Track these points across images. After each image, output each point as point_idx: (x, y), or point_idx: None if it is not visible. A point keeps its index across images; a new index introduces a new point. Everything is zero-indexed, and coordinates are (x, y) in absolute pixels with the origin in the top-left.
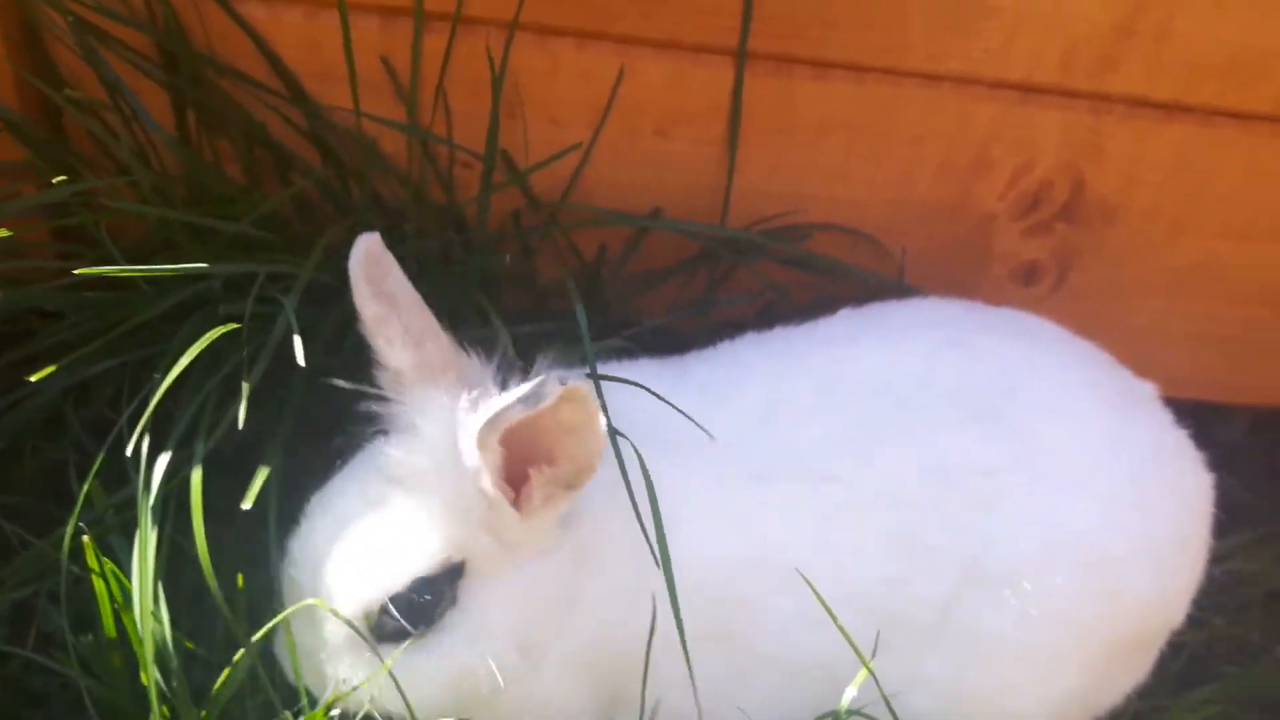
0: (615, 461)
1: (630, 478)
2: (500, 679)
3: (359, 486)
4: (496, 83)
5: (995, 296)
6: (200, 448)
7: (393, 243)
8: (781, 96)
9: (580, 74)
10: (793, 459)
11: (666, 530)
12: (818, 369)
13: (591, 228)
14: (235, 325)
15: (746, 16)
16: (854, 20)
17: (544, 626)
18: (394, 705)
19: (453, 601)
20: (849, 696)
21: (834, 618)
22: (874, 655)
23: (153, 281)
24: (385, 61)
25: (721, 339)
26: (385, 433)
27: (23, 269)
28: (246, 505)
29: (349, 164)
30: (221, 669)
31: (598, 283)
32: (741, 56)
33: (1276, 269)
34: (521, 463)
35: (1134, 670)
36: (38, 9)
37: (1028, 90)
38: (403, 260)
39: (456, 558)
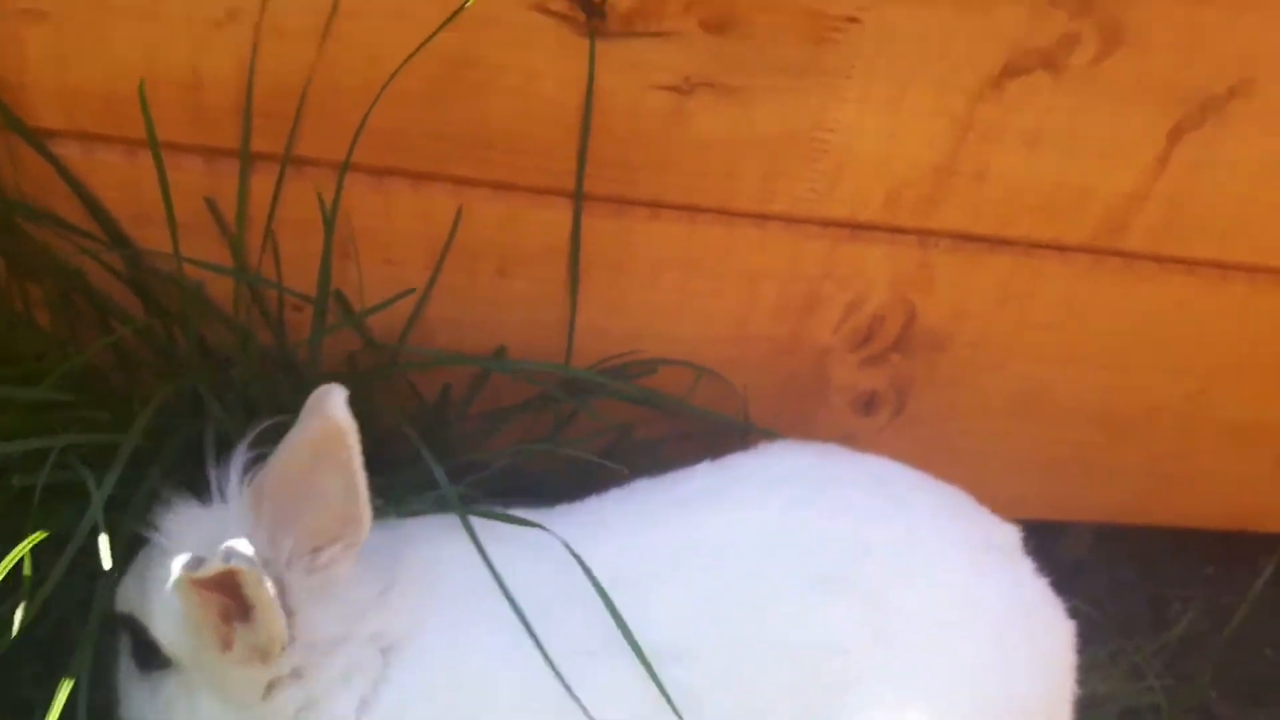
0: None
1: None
2: None
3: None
4: (329, 222)
5: (837, 426)
6: None
7: (219, 389)
8: (619, 236)
9: (417, 214)
10: (635, 633)
11: (477, 707)
12: (670, 534)
13: (434, 369)
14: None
15: (581, 161)
16: (688, 164)
17: None
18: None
19: (164, 666)
20: None
21: None
22: None
23: None
24: (210, 203)
25: (575, 475)
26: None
27: None
28: None
29: (172, 311)
30: None
31: (444, 425)
32: (579, 199)
33: (1103, 394)
34: (234, 611)
35: None
36: None
37: (856, 228)
38: (231, 406)
39: (163, 644)
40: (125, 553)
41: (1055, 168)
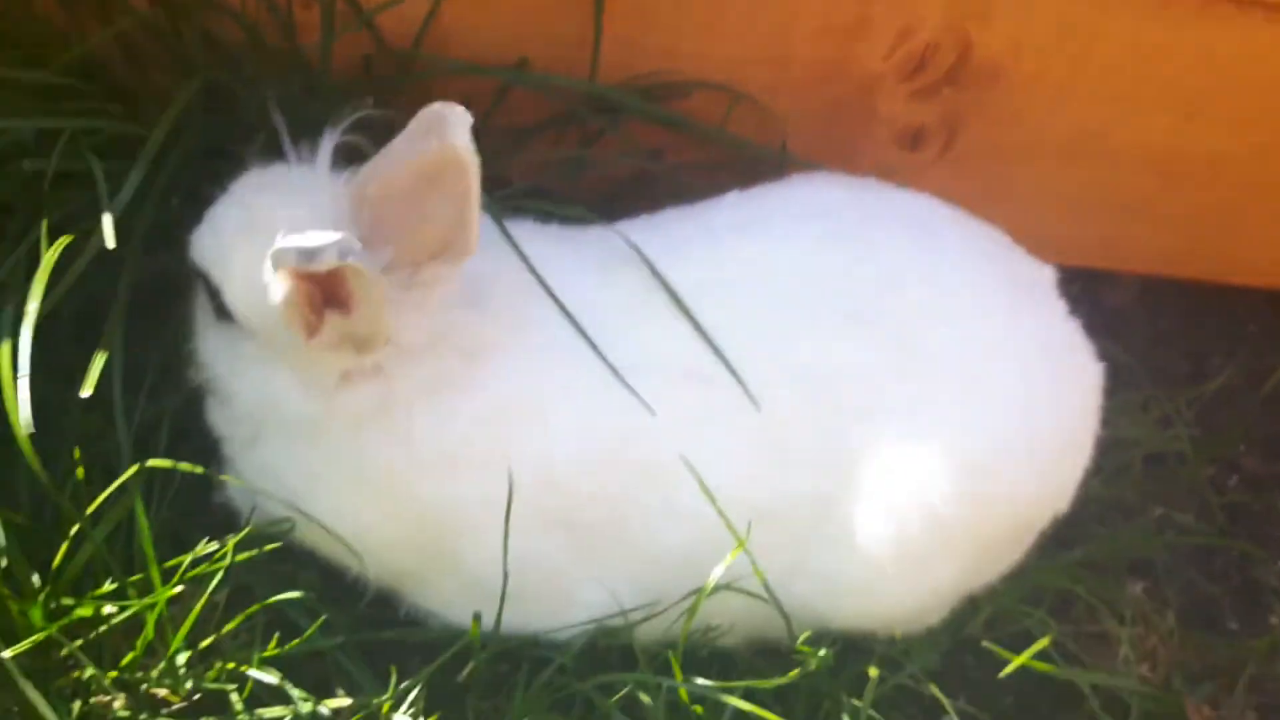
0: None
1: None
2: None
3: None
4: None
5: (880, 160)
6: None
7: (232, 88)
8: None
9: None
10: (662, 353)
11: (541, 425)
12: (699, 261)
13: (452, 79)
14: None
15: None
16: None
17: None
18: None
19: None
20: (717, 572)
21: (718, 508)
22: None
23: None
24: None
25: (599, 200)
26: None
27: None
28: (86, 393)
29: (177, 2)
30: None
31: None
32: None
33: (1161, 138)
34: (324, 299)
35: (1009, 557)
36: None
37: None
38: (243, 107)
39: (237, 312)
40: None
41: None
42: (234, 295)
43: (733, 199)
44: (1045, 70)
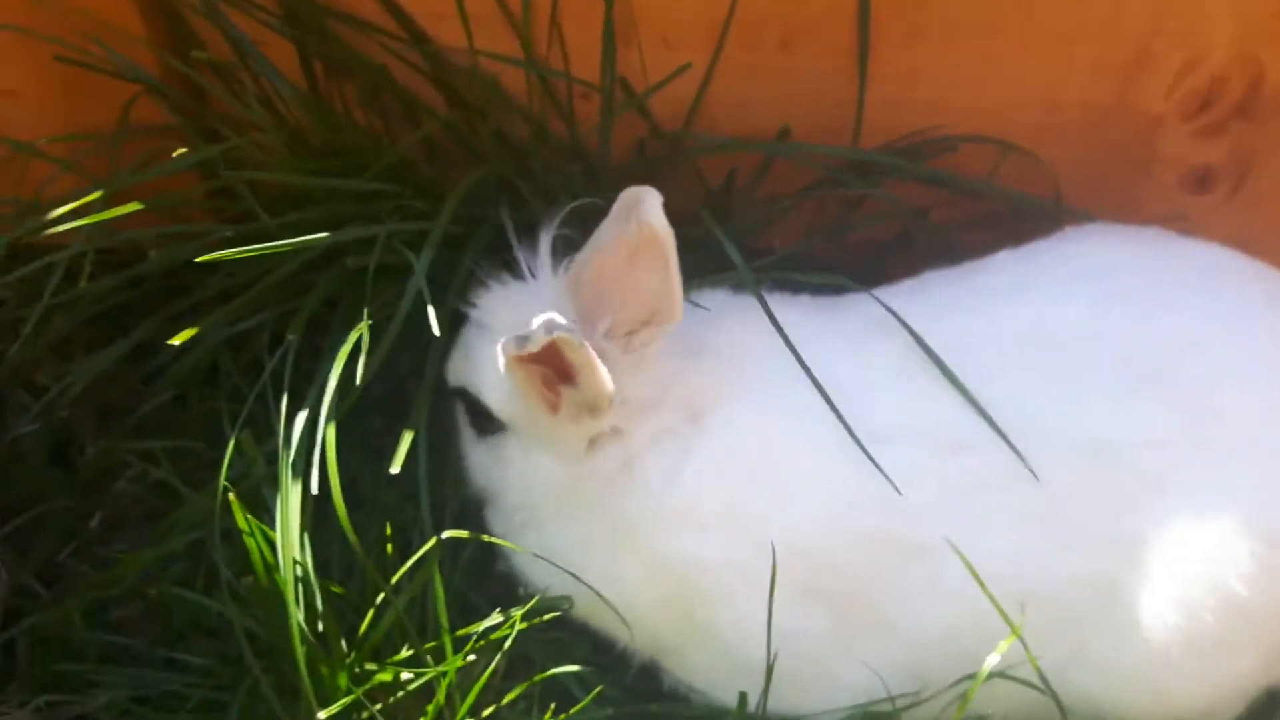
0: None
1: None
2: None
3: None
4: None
5: (1162, 206)
6: (329, 404)
7: (518, 179)
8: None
9: None
10: (922, 422)
11: (774, 485)
12: (964, 326)
13: (719, 154)
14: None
15: None
16: None
17: (540, 507)
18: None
19: (500, 430)
20: (991, 661)
21: (986, 591)
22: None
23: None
24: None
25: (863, 265)
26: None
27: (179, 229)
28: (395, 470)
29: (472, 104)
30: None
31: (728, 210)
32: None
33: None
34: (558, 376)
35: None
36: None
37: None
38: (530, 198)
39: (495, 411)
40: (450, 327)
41: None
42: (491, 399)
43: (1002, 258)
44: None
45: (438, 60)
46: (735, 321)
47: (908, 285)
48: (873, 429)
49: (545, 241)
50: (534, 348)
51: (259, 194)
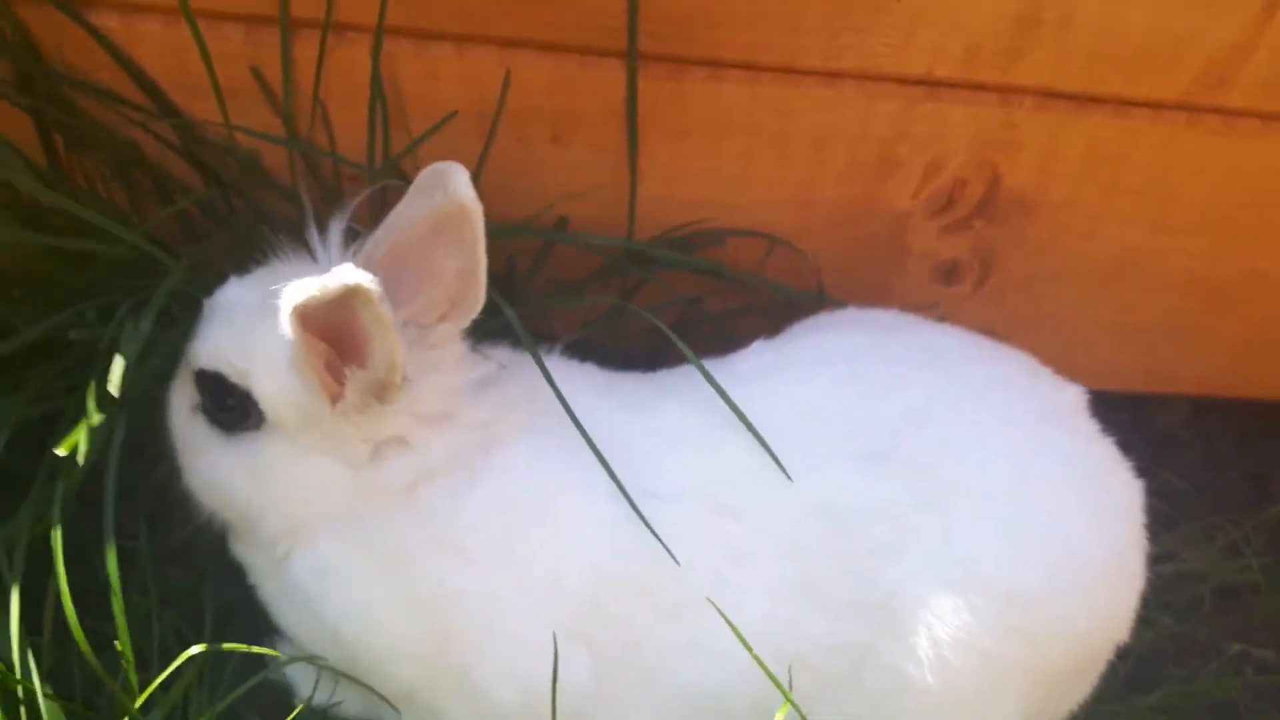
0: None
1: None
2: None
3: (260, 289)
4: (376, 84)
5: (917, 296)
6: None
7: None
8: (677, 99)
9: (463, 79)
10: (694, 485)
11: (549, 527)
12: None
13: (497, 240)
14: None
15: (633, 15)
16: (745, 19)
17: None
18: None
19: (256, 426)
20: None
21: (754, 654)
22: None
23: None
24: (256, 72)
25: (643, 352)
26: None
27: None
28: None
29: (230, 181)
30: None
31: (510, 297)
32: (632, 57)
33: (1200, 260)
34: (342, 358)
35: (1076, 692)
36: None
37: (933, 85)
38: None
39: (263, 401)
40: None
41: (1148, 15)
42: (260, 383)
43: (758, 346)
44: (1076, 198)
45: (189, 134)
46: (527, 370)
47: (678, 370)
48: (647, 486)
49: (337, 226)
50: (327, 295)
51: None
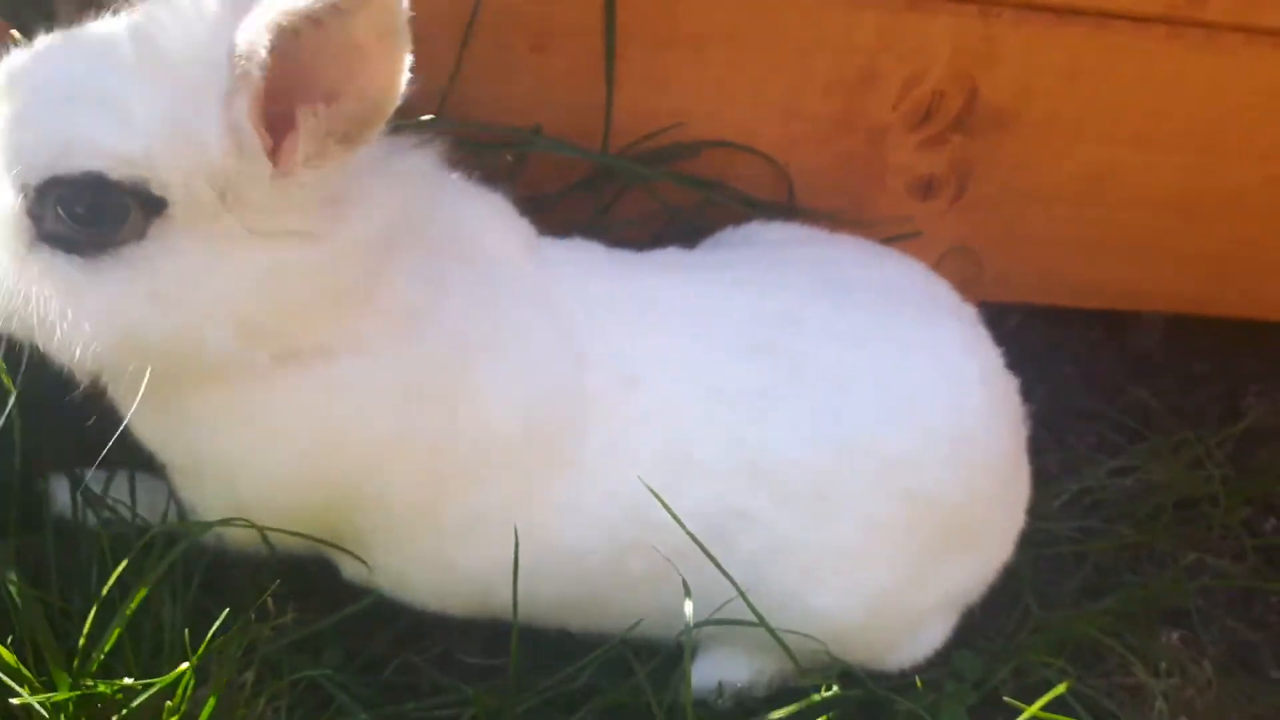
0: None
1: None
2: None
3: (101, 31)
4: None
5: (894, 210)
6: None
7: None
8: (660, 7)
9: None
10: (611, 354)
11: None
12: (646, 289)
13: (474, 149)
14: None
15: None
16: None
17: (280, 327)
18: (53, 334)
19: (139, 235)
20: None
21: (676, 519)
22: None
23: None
24: None
25: None
26: None
27: None
28: None
29: None
30: None
31: None
32: None
33: (1180, 176)
34: (287, 99)
35: (953, 568)
36: None
37: None
38: None
39: (156, 190)
40: None
41: None
42: (168, 161)
43: (709, 241)
44: (1055, 113)
45: None
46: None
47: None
48: (579, 349)
49: None
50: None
51: None
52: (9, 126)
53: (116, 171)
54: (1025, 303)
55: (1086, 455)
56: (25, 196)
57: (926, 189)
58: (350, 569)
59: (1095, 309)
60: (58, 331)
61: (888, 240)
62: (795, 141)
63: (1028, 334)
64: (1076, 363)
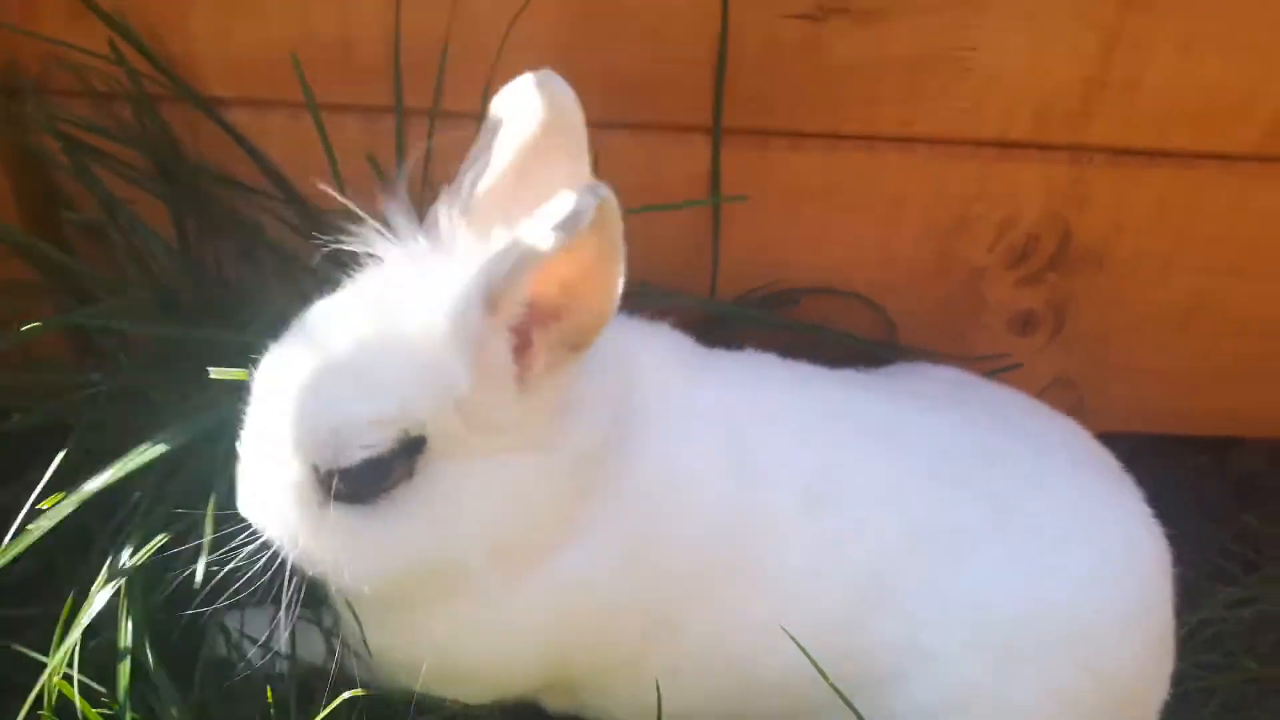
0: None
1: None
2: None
3: (350, 313)
4: None
5: (993, 346)
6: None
7: None
8: (758, 169)
9: None
10: (796, 473)
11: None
12: (829, 405)
13: None
14: None
15: (719, 96)
16: (826, 94)
17: (526, 538)
18: (343, 573)
19: (409, 474)
20: None
21: (811, 660)
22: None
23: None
24: (370, 159)
25: None
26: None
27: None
28: None
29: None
30: None
31: None
32: (717, 133)
33: (1272, 303)
34: (526, 323)
35: None
36: (31, 134)
37: (1005, 146)
38: None
39: (415, 432)
40: None
41: (1215, 73)
42: (436, 413)
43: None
44: (1148, 248)
45: (310, 217)
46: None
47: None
48: (759, 466)
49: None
50: (583, 221)
51: (130, 353)
52: (283, 421)
53: (385, 445)
54: (1128, 431)
55: (1203, 585)
56: (315, 473)
57: (1025, 325)
58: (554, 704)
59: (1199, 435)
60: (347, 573)
61: (991, 373)
62: (892, 284)
63: (1134, 463)
64: (1181, 489)
